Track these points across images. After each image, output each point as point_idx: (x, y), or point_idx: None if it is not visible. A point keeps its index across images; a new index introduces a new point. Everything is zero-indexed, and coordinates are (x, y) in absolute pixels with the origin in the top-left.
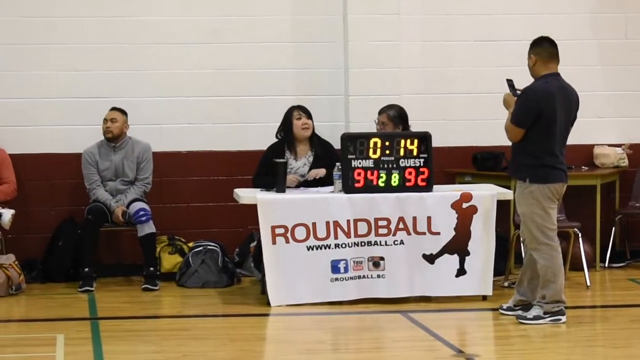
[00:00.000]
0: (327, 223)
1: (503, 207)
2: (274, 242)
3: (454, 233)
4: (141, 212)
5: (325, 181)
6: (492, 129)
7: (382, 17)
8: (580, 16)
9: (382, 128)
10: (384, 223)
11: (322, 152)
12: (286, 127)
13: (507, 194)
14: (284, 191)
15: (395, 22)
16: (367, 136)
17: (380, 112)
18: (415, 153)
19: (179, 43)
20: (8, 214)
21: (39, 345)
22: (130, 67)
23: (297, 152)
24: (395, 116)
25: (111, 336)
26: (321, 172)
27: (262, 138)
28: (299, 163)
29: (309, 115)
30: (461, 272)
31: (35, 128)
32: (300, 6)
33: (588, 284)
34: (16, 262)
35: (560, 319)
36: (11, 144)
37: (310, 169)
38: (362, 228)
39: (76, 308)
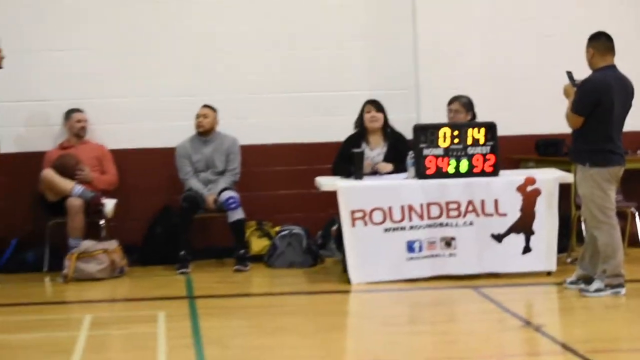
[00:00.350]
0: (402, 207)
1: (564, 189)
2: (353, 225)
3: (519, 214)
4: (231, 200)
5: (395, 170)
6: (553, 118)
7: (449, 15)
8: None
9: (454, 116)
10: (455, 206)
11: (395, 142)
12: (360, 119)
13: (568, 178)
14: (361, 178)
15: (462, 19)
16: (437, 126)
17: (452, 101)
18: (482, 141)
19: (262, 44)
20: (111, 203)
21: (141, 322)
22: (218, 67)
23: (371, 142)
24: (466, 103)
25: (207, 313)
26: (388, 167)
27: (339, 130)
28: (374, 152)
29: (378, 109)
30: (527, 249)
31: (134, 125)
32: (372, 5)
33: None
34: (119, 247)
35: (620, 291)
36: (112, 140)
37: (385, 158)
38: (435, 211)
39: (174, 288)
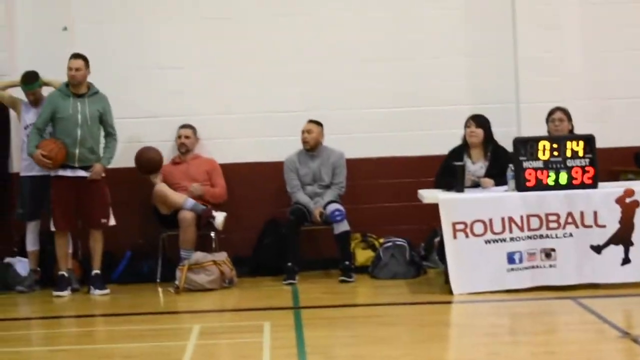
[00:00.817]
0: (503, 219)
1: None
2: (454, 237)
3: (618, 225)
4: (336, 213)
5: (496, 183)
6: None
7: (546, 31)
8: None
9: (559, 125)
10: (554, 218)
11: (496, 156)
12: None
13: None
14: (462, 191)
15: (559, 35)
16: (537, 139)
17: (555, 111)
18: (581, 154)
19: (367, 60)
20: (221, 216)
21: (248, 332)
22: (324, 83)
23: (472, 155)
24: (568, 112)
25: (312, 323)
26: (490, 183)
27: (442, 144)
28: (476, 166)
29: (479, 124)
30: (626, 261)
31: (242, 140)
32: (472, 22)
33: None
34: (228, 259)
35: None
36: (222, 154)
37: (486, 171)
38: (534, 223)
39: (281, 299)
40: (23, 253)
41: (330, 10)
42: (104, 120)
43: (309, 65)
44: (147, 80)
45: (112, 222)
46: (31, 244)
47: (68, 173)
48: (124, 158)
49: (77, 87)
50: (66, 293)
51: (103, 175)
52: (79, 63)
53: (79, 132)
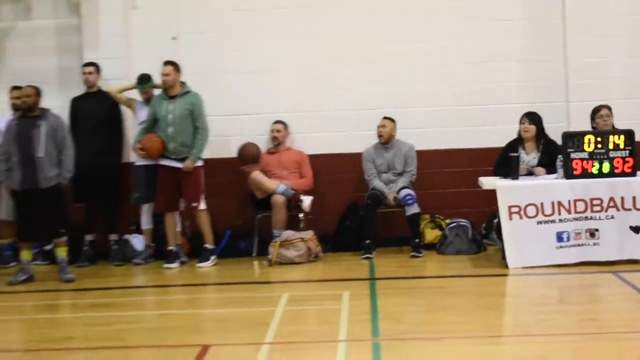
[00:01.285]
0: (552, 203)
1: None
2: (510, 219)
3: None
4: (408, 197)
5: (547, 172)
6: None
7: (593, 39)
8: None
9: (606, 120)
10: (598, 202)
11: (547, 148)
12: None
13: None
14: (517, 179)
15: (604, 42)
16: (583, 134)
17: (600, 109)
18: (621, 146)
19: (432, 65)
20: (308, 200)
21: (329, 299)
22: (398, 82)
23: (526, 148)
24: (611, 109)
25: (385, 293)
26: (542, 172)
27: (498, 138)
28: (529, 157)
29: (532, 121)
30: None
31: (326, 134)
32: (527, 31)
33: None
34: (314, 237)
35: None
36: (310, 147)
37: (538, 161)
38: (580, 206)
39: (359, 271)
40: (139, 231)
41: (409, 22)
42: (193, 118)
43: (385, 69)
44: (245, 83)
45: (202, 206)
46: (146, 223)
47: (166, 163)
48: (225, 150)
49: (168, 90)
50: (175, 265)
51: (199, 164)
52: (168, 69)
53: (171, 129)
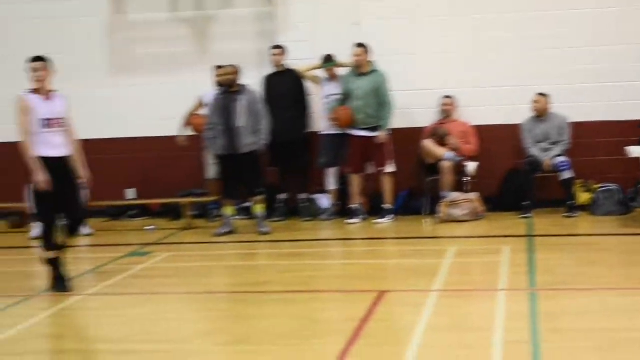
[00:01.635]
0: None
1: None
2: None
3: None
4: (562, 163)
5: None
6: None
7: None
8: None
9: None
10: None
11: None
12: None
13: None
14: None
15: None
16: None
17: None
18: None
19: (579, 46)
20: (473, 165)
21: (491, 253)
22: (553, 61)
23: None
24: None
25: (541, 248)
26: None
27: None
28: None
29: None
30: None
31: (490, 108)
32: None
33: None
34: (479, 198)
35: None
36: (475, 118)
37: None
38: None
39: (518, 229)
40: (325, 191)
41: (568, 7)
42: (378, 94)
43: (538, 53)
44: (419, 62)
45: (388, 169)
46: (331, 184)
47: (356, 133)
48: (405, 121)
49: (358, 68)
50: (356, 221)
51: (387, 134)
52: (360, 50)
53: (360, 103)
